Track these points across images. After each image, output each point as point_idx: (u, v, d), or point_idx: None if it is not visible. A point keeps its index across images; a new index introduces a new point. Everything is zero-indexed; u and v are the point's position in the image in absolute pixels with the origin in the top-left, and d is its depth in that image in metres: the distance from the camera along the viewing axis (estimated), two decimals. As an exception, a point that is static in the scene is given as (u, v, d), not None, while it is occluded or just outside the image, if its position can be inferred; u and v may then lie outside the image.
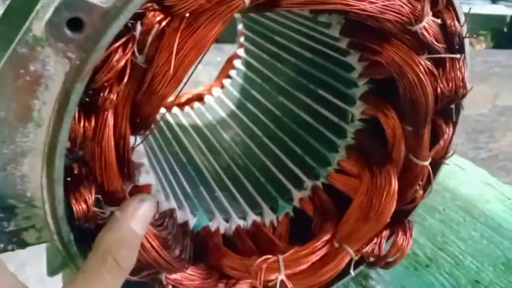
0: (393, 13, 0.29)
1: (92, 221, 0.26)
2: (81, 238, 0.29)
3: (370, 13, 0.28)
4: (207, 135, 0.59)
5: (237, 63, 0.67)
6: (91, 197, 0.25)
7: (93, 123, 0.24)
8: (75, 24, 0.21)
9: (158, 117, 0.31)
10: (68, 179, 0.25)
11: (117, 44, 0.22)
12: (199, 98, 0.71)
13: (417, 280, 0.47)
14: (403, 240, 0.40)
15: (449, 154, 0.40)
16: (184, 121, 0.63)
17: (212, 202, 0.45)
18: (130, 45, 0.23)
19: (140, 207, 0.27)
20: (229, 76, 0.69)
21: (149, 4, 0.23)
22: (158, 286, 0.32)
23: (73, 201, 0.25)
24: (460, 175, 0.62)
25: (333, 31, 0.38)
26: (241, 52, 0.67)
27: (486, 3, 1.95)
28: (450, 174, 0.63)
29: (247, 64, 0.65)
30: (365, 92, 0.42)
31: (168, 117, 0.63)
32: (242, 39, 0.65)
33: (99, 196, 0.27)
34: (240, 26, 0.65)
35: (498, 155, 0.67)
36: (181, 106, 0.69)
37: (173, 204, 0.38)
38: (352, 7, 0.27)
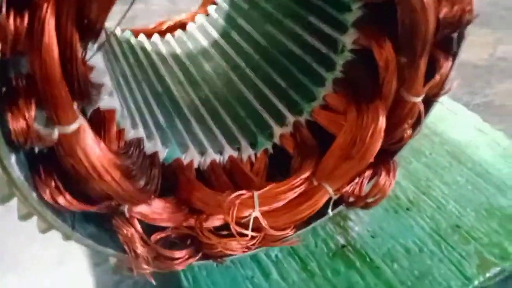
0: None
1: (35, 142, 0.23)
2: (28, 163, 0.26)
3: None
4: (186, 66, 0.55)
5: (223, -13, 0.61)
6: (31, 113, 0.22)
7: (26, 21, 0.20)
8: None
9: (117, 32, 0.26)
10: (4, 90, 0.22)
11: None
12: (182, 25, 0.65)
13: (397, 222, 0.46)
14: (386, 180, 0.38)
15: (444, 91, 0.37)
16: (163, 50, 0.58)
17: (187, 134, 0.42)
18: None
19: None
20: (214, 2, 0.63)
21: None
22: (120, 218, 0.30)
23: (10, 116, 0.21)
24: (452, 120, 0.59)
25: None
26: (227, -25, 0.60)
27: None
28: (441, 118, 0.60)
29: (233, -12, 0.59)
30: (359, 17, 0.37)
31: (147, 44, 0.57)
32: (228, -39, 0.59)
33: (47, 115, 0.23)
34: None
35: (493, 101, 0.64)
36: (162, 34, 0.64)
37: (141, 133, 0.35)
38: None
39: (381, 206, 0.48)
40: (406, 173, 0.52)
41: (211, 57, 0.56)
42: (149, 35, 0.63)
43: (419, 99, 0.36)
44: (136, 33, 0.60)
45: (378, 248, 0.43)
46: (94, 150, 0.26)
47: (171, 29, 0.65)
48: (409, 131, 0.39)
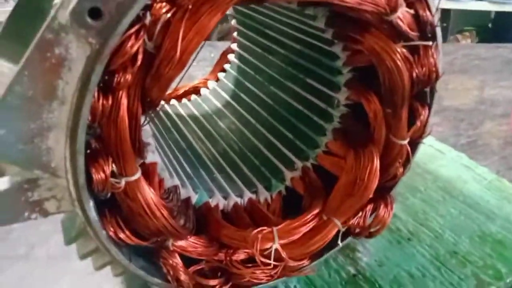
0: (370, 4, 0.33)
1: (108, 190, 0.30)
2: (97, 206, 0.32)
3: (349, 5, 0.32)
4: (204, 124, 0.63)
5: (231, 57, 0.71)
6: (108, 168, 0.29)
7: (110, 102, 0.27)
8: (95, 13, 0.25)
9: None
10: (88, 151, 0.29)
11: (131, 31, 0.26)
12: (195, 90, 0.75)
13: (400, 251, 0.51)
14: (385, 212, 0.44)
15: (426, 134, 0.44)
16: (182, 111, 0.66)
17: (212, 182, 0.48)
18: (142, 33, 0.26)
19: None
20: (223, 70, 0.73)
21: (157, -3, 0.27)
22: (166, 251, 0.36)
23: (93, 171, 0.29)
24: (441, 159, 0.66)
25: (319, 23, 0.41)
26: (234, 46, 0.70)
27: (471, 0, 2.01)
28: (431, 158, 0.67)
29: (240, 57, 0.68)
30: (349, 79, 0.46)
31: (167, 108, 0.66)
32: (235, 34, 0.69)
33: (114, 168, 0.30)
34: (233, 22, 0.68)
35: (477, 140, 0.71)
36: (178, 98, 0.73)
37: (176, 181, 0.42)
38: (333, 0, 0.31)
39: (385, 238, 0.53)
40: (405, 207, 0.58)
41: (225, 116, 0.64)
42: (167, 99, 0.72)
43: (405, 142, 0.43)
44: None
45: (386, 276, 0.48)
46: (149, 194, 0.33)
47: (186, 94, 0.74)
48: (401, 169, 0.46)
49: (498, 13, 2.31)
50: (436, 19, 0.38)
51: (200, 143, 0.58)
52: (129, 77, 0.27)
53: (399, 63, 0.38)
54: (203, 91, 0.73)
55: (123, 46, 0.26)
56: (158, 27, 0.27)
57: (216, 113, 0.66)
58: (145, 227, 0.33)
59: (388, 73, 0.39)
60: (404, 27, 0.35)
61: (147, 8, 0.27)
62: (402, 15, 0.35)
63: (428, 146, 0.70)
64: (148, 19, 0.27)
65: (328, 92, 0.49)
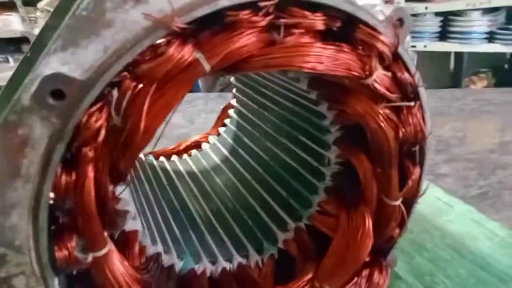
0: (343, 70, 0.33)
1: (75, 266, 0.29)
2: (67, 283, 0.31)
3: (321, 71, 0.32)
4: (201, 180, 0.62)
5: (231, 112, 0.72)
6: (72, 244, 0.28)
7: (73, 177, 0.27)
8: (57, 94, 0.25)
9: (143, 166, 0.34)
10: (53, 227, 0.29)
11: (93, 109, 0.26)
12: (197, 145, 0.75)
13: (405, 320, 0.47)
14: (379, 278, 0.42)
15: (420, 194, 0.42)
16: (181, 168, 0.66)
17: (200, 245, 0.47)
18: (105, 109, 0.27)
19: None
20: (224, 124, 0.73)
21: (123, 74, 0.27)
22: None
23: (56, 248, 0.28)
24: (449, 213, 0.63)
25: (302, 85, 0.41)
26: (234, 102, 0.71)
27: (483, 43, 2.00)
28: (439, 212, 0.64)
29: (239, 112, 0.69)
30: (337, 137, 0.45)
31: (167, 164, 0.66)
32: (234, 90, 0.70)
33: (83, 243, 0.30)
34: (232, 79, 0.70)
35: (488, 192, 0.68)
36: (180, 153, 0.73)
37: (159, 248, 0.41)
38: (303, 68, 0.31)
39: (389, 304, 0.50)
40: (411, 268, 0.54)
41: (222, 172, 0.64)
42: (168, 155, 0.72)
43: (397, 203, 0.41)
44: (157, 155, 0.69)
45: None
46: (119, 268, 0.31)
47: (188, 149, 0.75)
48: (397, 230, 0.44)
49: (513, 54, 2.30)
50: (417, 79, 0.37)
51: (194, 201, 0.57)
52: (91, 152, 0.27)
53: (382, 124, 0.37)
54: (204, 146, 0.73)
55: (86, 123, 0.26)
56: (125, 102, 0.27)
57: (214, 168, 0.65)
58: (116, 303, 0.32)
59: (373, 134, 0.38)
60: (382, 90, 0.35)
61: (112, 85, 0.27)
62: (379, 79, 0.34)
63: (436, 199, 0.67)
64: (114, 95, 0.28)
65: (318, 150, 0.48)
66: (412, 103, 0.37)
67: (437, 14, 2.17)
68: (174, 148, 0.76)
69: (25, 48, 2.79)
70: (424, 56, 2.22)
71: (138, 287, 0.33)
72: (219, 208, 0.56)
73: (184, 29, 0.26)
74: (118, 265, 0.31)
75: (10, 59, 2.68)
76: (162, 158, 0.69)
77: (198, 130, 0.85)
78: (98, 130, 0.27)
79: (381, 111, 0.37)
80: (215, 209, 0.56)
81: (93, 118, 0.26)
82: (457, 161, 0.78)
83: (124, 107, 0.28)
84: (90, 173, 0.28)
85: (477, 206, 0.64)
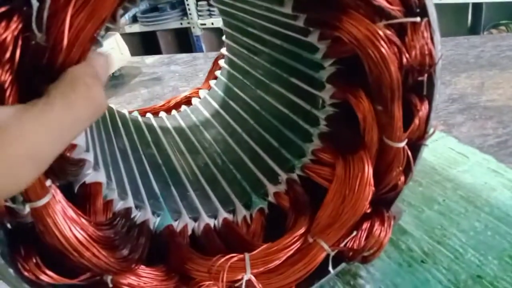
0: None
1: (7, 217, 0.24)
2: (12, 241, 0.27)
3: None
4: (188, 136, 0.57)
5: (221, 62, 0.66)
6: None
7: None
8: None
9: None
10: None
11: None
12: (188, 101, 0.70)
13: (411, 277, 0.43)
14: (380, 231, 0.36)
15: (428, 134, 0.36)
16: (168, 124, 0.61)
17: (182, 201, 0.42)
18: (15, 19, 0.21)
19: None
20: (215, 77, 0.67)
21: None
22: (104, 289, 0.30)
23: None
24: (464, 164, 0.57)
25: (286, 8, 0.35)
26: (224, 51, 0.65)
27: (503, -10, 1.86)
28: (453, 162, 0.58)
29: (229, 62, 0.63)
30: (332, 74, 0.39)
31: (152, 120, 0.61)
32: (224, 37, 0.63)
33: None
34: (220, 24, 0.63)
35: (508, 140, 0.61)
36: (168, 110, 0.68)
37: (130, 203, 0.36)
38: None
39: (394, 261, 0.45)
40: (419, 222, 0.49)
41: (212, 126, 0.59)
42: (157, 112, 0.67)
43: (402, 145, 0.35)
44: (143, 113, 0.64)
45: (392, 308, 0.40)
46: (67, 225, 0.27)
47: (178, 105, 0.69)
48: (401, 178, 0.38)
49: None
50: (424, -11, 0.30)
51: (180, 156, 0.52)
52: (8, 75, 0.21)
53: (382, 49, 0.31)
54: (194, 101, 0.67)
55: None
56: (45, 14, 0.22)
57: (203, 123, 0.60)
58: (69, 262, 0.27)
59: (372, 62, 0.32)
60: (384, 2, 0.28)
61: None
62: (377, -13, 0.28)
63: (449, 149, 0.60)
64: (35, 5, 0.22)
65: (311, 91, 0.42)
66: (418, 19, 0.30)
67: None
68: (163, 105, 0.71)
69: None
70: (441, 9, 2.08)
71: (94, 245, 0.28)
72: (206, 163, 0.51)
73: None
74: (66, 220, 0.27)
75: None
76: (148, 115, 0.64)
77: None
78: (6, 44, 0.21)
79: (381, 33, 0.30)
80: (201, 164, 0.51)
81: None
82: (474, 109, 0.71)
83: (46, 20, 0.22)
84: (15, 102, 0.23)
85: (496, 155, 0.58)
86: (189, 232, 0.40)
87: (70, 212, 0.28)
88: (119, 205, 0.35)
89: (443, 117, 0.71)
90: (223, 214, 0.42)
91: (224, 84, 0.63)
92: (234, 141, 0.53)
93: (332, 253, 0.37)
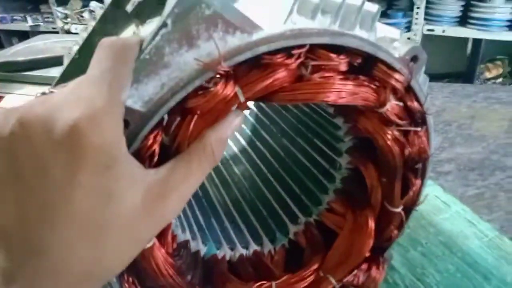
0: (360, 101, 0.37)
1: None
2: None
3: (341, 103, 0.36)
4: (220, 169, 0.68)
5: (250, 103, 0.76)
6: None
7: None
8: (124, 123, 0.31)
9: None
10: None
11: (151, 135, 0.32)
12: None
13: (395, 306, 0.54)
14: (376, 273, 0.48)
15: (419, 203, 0.48)
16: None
17: (221, 232, 0.54)
18: (159, 134, 0.32)
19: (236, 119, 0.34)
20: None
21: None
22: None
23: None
24: (446, 212, 0.68)
25: (321, 101, 0.46)
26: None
27: (503, 31, 1.98)
28: (436, 210, 0.69)
29: (258, 106, 0.74)
30: (349, 147, 0.50)
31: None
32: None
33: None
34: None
35: (484, 193, 0.73)
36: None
37: (187, 236, 0.47)
38: (326, 101, 0.35)
39: (382, 292, 0.57)
40: (405, 261, 0.61)
41: (240, 162, 0.70)
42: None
43: (399, 210, 0.47)
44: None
45: (379, 330, 0.52)
46: (159, 256, 0.38)
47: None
48: (395, 232, 0.50)
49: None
50: (425, 108, 0.41)
51: (215, 189, 0.63)
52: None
53: (389, 143, 0.42)
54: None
55: (144, 146, 0.32)
56: (173, 127, 0.33)
57: (232, 158, 0.71)
58: (157, 285, 0.39)
59: (382, 149, 0.43)
60: (393, 117, 0.39)
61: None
62: (391, 108, 0.39)
63: (434, 197, 0.72)
64: (165, 119, 0.33)
65: (331, 155, 0.53)
66: (419, 128, 0.41)
67: (459, -2, 2.14)
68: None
69: (43, 8, 2.80)
70: (442, 40, 2.21)
71: (172, 270, 0.39)
72: (237, 198, 0.62)
73: (228, 71, 0.31)
74: (158, 254, 0.38)
75: (29, 19, 2.69)
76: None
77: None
78: (154, 151, 0.32)
79: (389, 132, 0.42)
80: (234, 198, 0.62)
81: (150, 142, 0.32)
82: (460, 160, 0.83)
83: (172, 130, 0.33)
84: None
85: (472, 206, 0.70)
86: (227, 259, 0.51)
87: (159, 248, 0.39)
88: (181, 238, 0.46)
89: (432, 164, 0.83)
90: (253, 246, 0.53)
91: (251, 124, 0.74)
92: (260, 179, 0.64)
93: (337, 286, 0.48)
